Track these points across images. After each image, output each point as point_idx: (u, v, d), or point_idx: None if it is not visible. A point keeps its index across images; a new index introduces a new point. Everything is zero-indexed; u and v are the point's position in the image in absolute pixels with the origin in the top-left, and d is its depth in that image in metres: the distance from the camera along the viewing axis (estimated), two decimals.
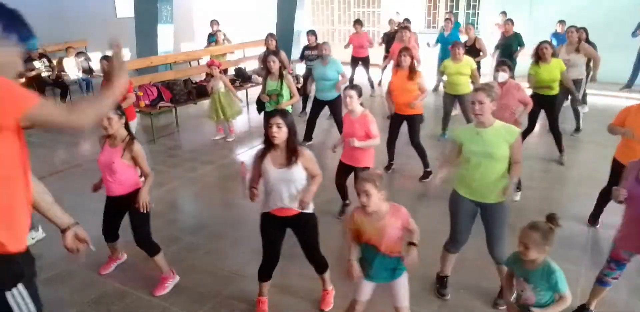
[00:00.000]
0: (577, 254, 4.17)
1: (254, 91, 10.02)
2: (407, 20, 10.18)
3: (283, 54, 6.12)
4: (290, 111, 5.13)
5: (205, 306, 3.60)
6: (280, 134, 2.99)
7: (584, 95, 8.21)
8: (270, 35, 7.82)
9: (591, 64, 7.39)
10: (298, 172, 3.08)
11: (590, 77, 7.51)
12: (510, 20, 9.00)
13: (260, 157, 3.13)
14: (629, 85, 10.17)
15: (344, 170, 4.69)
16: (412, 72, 5.47)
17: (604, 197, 4.46)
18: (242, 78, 9.81)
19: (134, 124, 5.57)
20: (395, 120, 5.83)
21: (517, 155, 3.23)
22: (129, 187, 3.56)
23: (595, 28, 9.52)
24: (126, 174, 3.52)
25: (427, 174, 5.79)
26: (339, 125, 6.47)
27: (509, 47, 8.76)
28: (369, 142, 4.35)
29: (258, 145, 7.42)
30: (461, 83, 6.68)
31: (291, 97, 5.78)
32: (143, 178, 3.66)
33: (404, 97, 5.54)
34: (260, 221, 3.29)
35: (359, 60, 9.84)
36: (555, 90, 5.99)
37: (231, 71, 10.34)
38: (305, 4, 13.06)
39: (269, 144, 3.08)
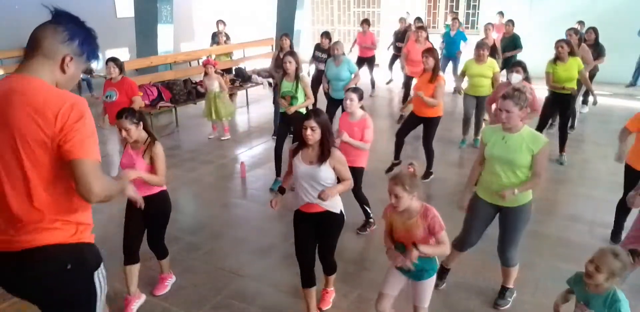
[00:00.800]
0: (576, 254, 4.17)
1: (254, 91, 10.06)
2: (418, 19, 10.13)
3: (299, 55, 6.11)
4: (303, 112, 5.18)
5: (205, 306, 3.60)
6: (314, 136, 3.05)
7: (586, 95, 8.17)
8: (285, 35, 7.71)
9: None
10: (325, 172, 3.09)
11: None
12: (511, 21, 8.92)
13: (293, 153, 3.21)
14: (632, 84, 10.17)
15: None
16: (434, 74, 5.38)
17: (622, 210, 4.22)
18: (242, 78, 9.82)
19: None
20: (410, 120, 5.76)
21: (537, 166, 3.10)
22: (151, 189, 3.44)
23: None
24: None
25: (427, 174, 5.80)
26: None
27: (508, 48, 8.69)
28: (358, 143, 4.32)
29: (258, 145, 7.45)
30: (483, 85, 6.50)
31: (306, 100, 5.70)
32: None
33: (422, 100, 5.44)
34: (293, 219, 3.34)
35: (365, 60, 9.84)
36: (572, 87, 5.93)
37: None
38: (305, 4, 13.05)
39: (302, 142, 3.14)
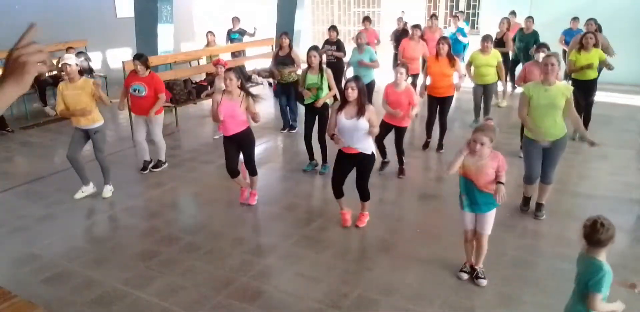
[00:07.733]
0: (577, 254, 4.17)
1: (254, 91, 10.01)
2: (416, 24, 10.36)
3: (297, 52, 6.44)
4: (330, 104, 5.76)
5: (205, 306, 3.60)
6: (353, 94, 4.15)
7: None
8: (284, 33, 7.76)
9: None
10: (362, 123, 4.19)
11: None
12: (531, 17, 9.32)
13: (337, 110, 4.31)
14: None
15: (385, 128, 5.65)
16: (452, 60, 6.34)
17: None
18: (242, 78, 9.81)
19: (160, 118, 6.14)
20: (431, 103, 6.65)
21: (572, 106, 4.39)
22: (242, 127, 4.86)
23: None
24: (242, 118, 4.79)
25: (440, 147, 6.71)
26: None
27: (528, 44, 9.01)
28: (415, 111, 5.56)
29: (259, 145, 7.42)
30: (489, 74, 7.25)
31: (330, 90, 5.98)
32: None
33: (444, 82, 6.41)
34: (336, 156, 4.48)
35: None
36: (593, 75, 6.68)
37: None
38: (305, 4, 13.05)
39: (344, 101, 4.28)
